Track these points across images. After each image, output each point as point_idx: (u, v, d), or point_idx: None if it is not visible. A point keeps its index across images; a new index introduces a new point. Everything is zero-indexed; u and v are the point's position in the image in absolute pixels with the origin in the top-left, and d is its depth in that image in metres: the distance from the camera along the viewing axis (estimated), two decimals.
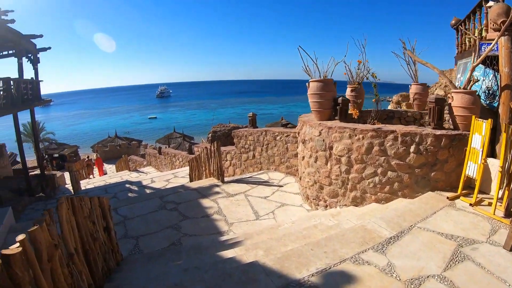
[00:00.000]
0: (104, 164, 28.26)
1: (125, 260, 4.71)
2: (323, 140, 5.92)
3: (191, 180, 10.32)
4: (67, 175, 28.42)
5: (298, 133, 6.99)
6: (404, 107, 14.20)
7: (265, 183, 8.14)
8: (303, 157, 6.67)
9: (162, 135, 37.01)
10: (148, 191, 10.74)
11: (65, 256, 2.55)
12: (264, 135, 9.10)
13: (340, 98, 6.27)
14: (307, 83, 6.59)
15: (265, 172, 9.03)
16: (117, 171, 22.95)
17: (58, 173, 19.24)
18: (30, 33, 13.35)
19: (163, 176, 12.38)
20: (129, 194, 10.61)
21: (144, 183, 11.69)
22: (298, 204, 6.88)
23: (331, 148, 5.79)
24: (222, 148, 9.58)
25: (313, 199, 6.47)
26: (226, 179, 8.53)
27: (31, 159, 43.32)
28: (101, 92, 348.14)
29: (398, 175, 5.11)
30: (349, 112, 6.68)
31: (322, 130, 5.95)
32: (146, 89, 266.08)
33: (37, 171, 24.91)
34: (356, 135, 5.37)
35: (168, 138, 33.33)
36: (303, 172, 6.79)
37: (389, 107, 15.13)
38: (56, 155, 33.08)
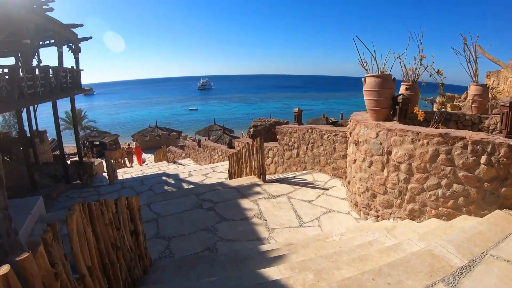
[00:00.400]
0: (143, 153, 28.62)
1: (153, 266, 4.18)
2: (380, 144, 5.13)
3: (230, 177, 9.77)
4: (104, 163, 29.09)
5: (350, 133, 6.21)
6: (449, 109, 12.97)
7: (310, 185, 7.43)
8: (355, 160, 5.91)
9: (202, 127, 36.99)
10: (185, 185, 10.33)
11: (72, 281, 1.97)
12: (310, 133, 8.37)
13: (400, 96, 5.46)
14: (363, 79, 5.79)
15: (309, 172, 8.31)
16: (155, 162, 22.96)
17: (97, 161, 19.36)
18: (71, 22, 13.37)
19: (201, 170, 11.93)
20: (165, 187, 10.23)
21: (181, 176, 11.28)
22: (345, 211, 6.16)
23: (389, 153, 5.00)
24: (264, 144, 8.95)
25: (363, 207, 5.73)
26: (267, 177, 7.92)
27: (73, 146, 44.74)
28: (143, 83, 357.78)
29: (464, 189, 4.27)
30: (410, 112, 5.84)
31: (379, 131, 5.16)
32: (188, 81, 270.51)
33: (77, 158, 25.46)
34: (419, 140, 4.56)
35: (208, 130, 33.21)
36: (353, 177, 6.05)
37: (434, 109, 13.91)
38: (97, 143, 33.82)
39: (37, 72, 10.58)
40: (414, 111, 5.81)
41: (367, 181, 5.53)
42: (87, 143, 34.16)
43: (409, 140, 4.69)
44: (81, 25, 13.92)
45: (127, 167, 23.36)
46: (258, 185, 7.43)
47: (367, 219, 5.60)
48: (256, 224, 5.69)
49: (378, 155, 5.20)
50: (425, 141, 4.50)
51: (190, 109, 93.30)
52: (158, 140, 33.72)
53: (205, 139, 32.81)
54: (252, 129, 12.28)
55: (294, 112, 9.64)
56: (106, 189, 10.50)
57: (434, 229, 4.18)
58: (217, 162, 14.72)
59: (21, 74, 9.77)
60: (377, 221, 5.36)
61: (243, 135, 38.94)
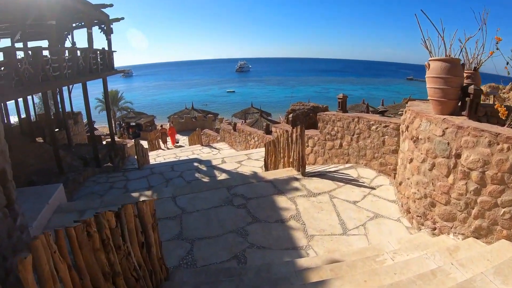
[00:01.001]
0: (177, 133, 28.59)
1: (170, 279, 3.49)
2: (448, 144, 4.14)
3: (266, 167, 9.00)
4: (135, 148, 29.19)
5: (407, 128, 5.22)
6: (491, 101, 11.40)
7: (354, 182, 6.51)
8: (411, 160, 4.95)
9: (239, 110, 36.30)
10: (217, 172, 9.70)
11: None
12: (356, 123, 7.41)
13: (472, 87, 4.39)
14: (426, 63, 4.73)
15: (353, 167, 7.37)
16: (189, 145, 22.65)
17: (130, 143, 19.15)
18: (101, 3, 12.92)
19: (235, 156, 11.24)
20: (196, 175, 9.65)
21: (214, 162, 10.67)
22: (394, 217, 5.25)
23: (458, 156, 4.01)
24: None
25: (417, 215, 4.81)
26: (307, 169, 7.06)
27: (105, 126, 45.49)
28: (182, 64, 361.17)
29: None
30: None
31: (447, 129, 4.16)
32: (226, 63, 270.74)
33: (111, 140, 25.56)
34: (498, 144, 3.54)
35: (245, 113, 32.46)
36: (408, 179, 5.10)
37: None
38: (133, 124, 34.00)
39: (64, 54, 10.19)
40: (502, 110, 4.73)
41: (426, 186, 4.58)
42: (123, 124, 34.46)
43: (485, 143, 3.69)
44: (111, 5, 13.44)
45: (161, 149, 23.27)
46: (297, 179, 6.62)
47: (420, 230, 4.73)
48: (292, 228, 4.92)
49: (443, 157, 4.24)
50: (505, 145, 3.49)
51: (227, 91, 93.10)
52: (194, 122, 33.50)
53: (242, 122, 32.22)
54: (291, 115, 11.41)
55: (339, 98, 8.67)
56: (134, 175, 10.06)
57: (511, 259, 3.23)
58: (252, 148, 14.01)
59: (48, 56, 9.43)
60: (433, 234, 4.46)
61: (281, 119, 37.98)
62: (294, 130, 6.89)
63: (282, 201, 5.69)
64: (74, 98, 19.41)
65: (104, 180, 9.94)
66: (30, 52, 8.69)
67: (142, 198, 6.09)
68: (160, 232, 4.92)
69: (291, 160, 7.37)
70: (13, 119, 21.18)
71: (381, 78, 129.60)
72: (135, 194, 6.50)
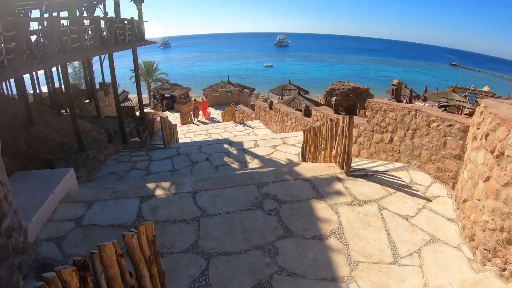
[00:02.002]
0: (210, 107, 28.14)
1: None
2: None
3: (303, 158, 7.97)
4: (171, 116, 28.75)
5: (486, 136, 4.02)
6: None
7: (406, 188, 5.37)
8: (487, 178, 3.78)
9: (276, 85, 34.99)
10: (248, 158, 8.81)
11: None
12: (413, 116, 6.17)
13: None
14: None
15: (404, 168, 6.18)
16: (222, 121, 21.77)
17: (160, 116, 18.61)
18: None
19: (269, 140, 10.23)
20: (225, 159, 8.81)
21: (246, 145, 9.74)
22: (454, 244, 4.20)
23: None
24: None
25: (485, 249, 3.72)
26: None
27: (144, 96, 45.47)
28: (220, 37, 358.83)
29: None
30: None
31: None
32: (265, 37, 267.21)
33: (147, 109, 25.17)
34: None
35: (282, 89, 31.11)
36: (479, 200, 3.96)
37: None
38: (167, 95, 33.50)
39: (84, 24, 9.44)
40: None
41: (505, 217, 3.44)
42: (158, 96, 34.09)
43: None
44: None
45: (193, 123, 22.70)
46: (340, 179, 5.56)
47: (485, 265, 3.70)
48: (333, 249, 3.95)
49: None
50: None
51: (265, 66, 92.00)
52: (229, 97, 32.53)
53: (278, 98, 31.00)
54: (334, 98, 10.27)
55: (393, 85, 7.43)
56: (159, 154, 9.32)
57: None
58: (289, 130, 12.95)
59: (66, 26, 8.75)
60: (502, 276, 3.43)
61: (319, 97, 36.47)
62: (341, 119, 5.79)
63: (322, 209, 4.68)
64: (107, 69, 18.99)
65: (127, 159, 9.28)
66: (45, 22, 7.96)
67: (158, 192, 5.26)
68: (173, 240, 4.12)
69: (333, 154, 6.29)
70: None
71: (423, 61, 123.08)
72: (152, 183, 5.67)
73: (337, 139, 6.00)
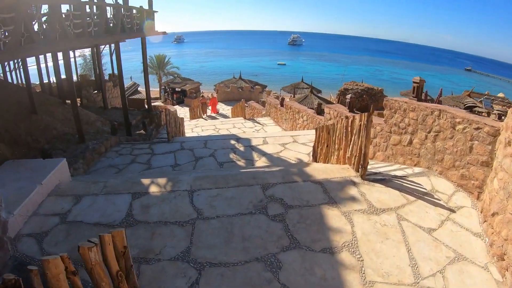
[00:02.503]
0: (220, 103, 27.87)
1: None
2: None
3: (314, 158, 7.41)
4: (181, 110, 28.41)
5: None
6: None
7: (428, 196, 4.77)
8: None
9: (289, 83, 34.41)
10: (255, 155, 8.30)
11: None
12: (436, 117, 5.56)
13: None
14: None
15: (424, 173, 5.57)
16: (232, 116, 21.29)
17: (165, 109, 18.23)
18: None
19: (279, 137, 9.70)
20: (231, 156, 8.32)
21: (254, 142, 9.23)
22: (481, 263, 3.63)
23: None
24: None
25: None
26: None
27: (156, 90, 45.36)
28: (234, 34, 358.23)
29: None
30: None
31: None
32: (279, 36, 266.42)
33: (157, 103, 24.85)
34: None
35: (294, 87, 30.54)
36: (511, 214, 3.39)
37: None
38: (178, 90, 33.16)
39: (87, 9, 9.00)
40: None
41: None
42: (168, 89, 33.77)
43: None
44: None
45: (202, 117, 22.30)
46: (354, 183, 4.98)
47: None
48: (345, 265, 3.40)
49: None
50: None
51: (278, 63, 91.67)
52: (240, 93, 32.07)
53: (290, 96, 30.42)
54: (349, 96, 9.70)
55: (414, 83, 6.81)
56: (162, 148, 8.88)
57: None
58: (300, 128, 12.40)
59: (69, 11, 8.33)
60: None
61: (331, 97, 35.76)
62: (358, 117, 5.23)
63: (333, 216, 4.11)
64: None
65: (128, 152, 8.86)
66: (46, 5, 7.54)
67: (152, 189, 4.77)
68: (162, 245, 3.63)
69: (348, 155, 5.74)
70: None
71: (437, 65, 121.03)
72: (147, 179, 5.18)
73: (353, 138, 5.44)
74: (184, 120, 24.05)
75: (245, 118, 17.87)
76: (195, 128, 15.39)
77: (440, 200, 4.71)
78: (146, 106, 15.87)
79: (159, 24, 14.21)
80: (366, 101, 29.34)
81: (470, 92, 22.02)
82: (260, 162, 7.91)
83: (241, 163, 7.86)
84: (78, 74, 21.03)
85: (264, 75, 66.79)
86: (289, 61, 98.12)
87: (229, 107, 26.79)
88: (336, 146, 6.24)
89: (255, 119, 17.39)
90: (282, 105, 14.85)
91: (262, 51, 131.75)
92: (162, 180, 5.00)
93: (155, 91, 45.85)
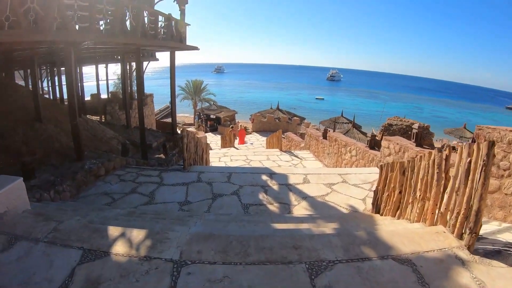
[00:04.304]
0: (256, 132, 27.92)
1: None
2: None
3: (377, 209, 5.16)
4: (213, 138, 26.85)
5: None
6: None
7: None
8: None
9: (327, 117, 32.25)
10: (293, 198, 6.19)
11: None
12: None
13: None
14: None
15: None
16: (266, 147, 19.18)
17: (184, 129, 16.70)
18: None
19: (324, 175, 7.49)
20: (260, 197, 6.21)
21: (292, 180, 7.10)
22: None
23: None
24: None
25: None
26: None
27: (186, 116, 44.29)
28: (273, 67, 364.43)
29: None
30: None
31: None
32: (317, 71, 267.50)
33: (191, 128, 23.35)
34: None
35: (333, 122, 28.27)
36: None
37: None
38: (213, 117, 31.83)
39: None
40: None
41: None
42: (203, 116, 32.53)
43: None
44: None
45: (234, 147, 20.63)
46: (462, 262, 2.70)
47: None
48: None
49: None
50: None
51: (316, 98, 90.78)
52: (277, 124, 30.07)
53: (329, 130, 28.19)
54: (417, 125, 7.49)
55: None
56: (173, 178, 6.95)
57: None
58: (346, 165, 10.16)
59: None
60: None
61: (374, 131, 33.13)
62: (464, 151, 3.08)
63: None
64: (151, 80, 17.55)
65: (132, 178, 6.99)
66: None
67: (118, 247, 2.74)
68: None
69: (441, 210, 3.52)
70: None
71: (477, 103, 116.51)
72: (117, 228, 3.16)
73: (451, 184, 3.25)
74: (214, 148, 22.46)
75: (281, 150, 15.72)
76: (223, 157, 13.38)
77: None
78: (184, 128, 14.26)
79: (199, 48, 12.75)
80: (410, 137, 26.54)
81: None
82: (300, 208, 5.76)
83: (273, 207, 5.74)
84: (109, 91, 19.94)
85: (302, 108, 65.41)
86: (327, 96, 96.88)
87: (264, 138, 24.88)
88: (417, 194, 4.03)
89: (292, 151, 15.22)
90: (325, 137, 12.68)
91: (301, 85, 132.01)
92: (138, 234, 2.96)
93: (189, 117, 44.98)
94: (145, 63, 19.00)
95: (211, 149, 22.53)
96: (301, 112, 52.70)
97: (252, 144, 23.49)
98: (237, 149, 19.31)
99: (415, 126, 7.45)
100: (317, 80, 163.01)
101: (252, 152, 15.05)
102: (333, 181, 7.08)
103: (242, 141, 23.76)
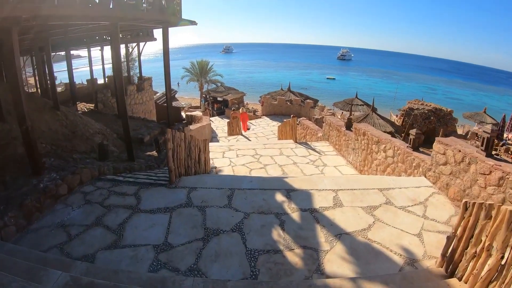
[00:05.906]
0: (266, 116, 26.53)
1: None
2: None
3: (450, 265, 3.18)
4: (220, 123, 24.74)
5: None
6: None
7: None
8: None
9: (339, 99, 29.65)
10: (322, 234, 4.34)
11: None
12: None
13: None
14: None
15: None
16: (279, 138, 16.79)
17: (197, 125, 14.50)
18: None
19: (360, 192, 5.40)
20: (275, 235, 4.28)
21: (318, 201, 5.15)
22: None
23: None
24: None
25: None
26: None
27: (194, 98, 42.14)
28: (282, 47, 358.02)
29: None
30: None
31: None
32: (327, 50, 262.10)
33: (196, 112, 21.32)
34: None
35: (348, 104, 25.55)
36: None
37: None
38: (220, 99, 29.62)
39: None
40: None
41: None
42: (209, 98, 30.38)
43: None
44: None
45: (241, 135, 18.73)
46: None
47: None
48: None
49: None
50: None
51: (327, 78, 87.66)
52: (289, 107, 27.58)
53: (342, 113, 25.94)
54: (489, 125, 5.41)
55: None
56: (154, 199, 5.05)
57: None
58: (379, 166, 8.08)
59: None
60: None
61: (392, 116, 30.94)
62: None
63: None
64: (149, 63, 15.52)
65: (101, 198, 5.14)
66: None
67: None
68: None
69: None
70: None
71: (491, 85, 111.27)
72: None
73: None
74: (220, 136, 20.38)
75: (295, 141, 13.45)
76: (228, 151, 11.22)
77: None
78: (183, 114, 12.28)
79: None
80: (433, 124, 24.36)
81: None
82: (334, 257, 3.79)
83: (294, 257, 3.79)
84: (106, 75, 17.91)
85: (313, 89, 62.66)
86: (338, 76, 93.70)
87: (275, 123, 22.65)
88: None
89: (309, 143, 12.93)
90: (348, 128, 10.48)
91: (311, 64, 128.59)
92: None
93: (195, 99, 42.84)
94: (141, 44, 16.98)
95: (217, 137, 20.57)
96: (313, 93, 50.21)
97: (254, 131, 21.31)
98: (246, 137, 17.32)
99: (487, 128, 5.21)
100: (327, 60, 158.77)
101: (262, 145, 12.84)
102: (374, 202, 5.09)
103: (245, 127, 21.41)
